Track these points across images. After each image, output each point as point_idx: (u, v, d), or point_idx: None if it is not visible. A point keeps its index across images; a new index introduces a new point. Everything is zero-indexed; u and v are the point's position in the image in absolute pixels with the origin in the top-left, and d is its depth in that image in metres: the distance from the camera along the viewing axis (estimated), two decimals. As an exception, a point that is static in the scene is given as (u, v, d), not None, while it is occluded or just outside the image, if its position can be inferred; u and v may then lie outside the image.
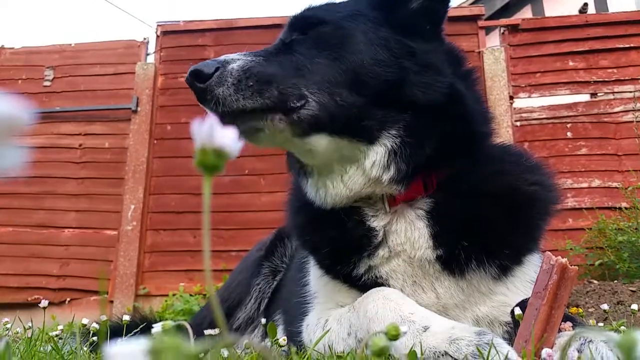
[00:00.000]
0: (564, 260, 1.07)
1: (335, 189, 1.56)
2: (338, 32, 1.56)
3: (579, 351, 1.08)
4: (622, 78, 6.21)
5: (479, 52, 6.48)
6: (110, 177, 6.54)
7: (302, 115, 1.43)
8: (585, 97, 6.23)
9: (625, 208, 5.47)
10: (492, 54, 6.42)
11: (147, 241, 6.27)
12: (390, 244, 1.56)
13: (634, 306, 2.00)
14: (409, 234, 1.54)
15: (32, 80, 7.06)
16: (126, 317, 1.91)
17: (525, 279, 1.56)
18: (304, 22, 1.62)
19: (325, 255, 1.69)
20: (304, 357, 1.36)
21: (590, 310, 2.86)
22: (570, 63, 6.34)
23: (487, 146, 1.66)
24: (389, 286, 1.55)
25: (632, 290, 4.33)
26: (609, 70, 6.25)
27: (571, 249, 5.38)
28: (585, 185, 5.97)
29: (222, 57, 1.46)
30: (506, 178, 1.62)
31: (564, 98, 6.24)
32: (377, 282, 1.58)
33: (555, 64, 6.37)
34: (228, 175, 6.39)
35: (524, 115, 6.23)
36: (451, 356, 1.11)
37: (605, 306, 2.22)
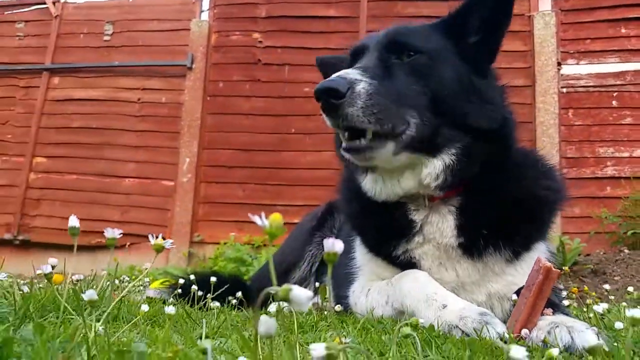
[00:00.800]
0: (549, 264, 1.40)
1: (391, 188, 1.87)
2: (432, 64, 1.83)
3: (548, 333, 1.38)
4: (675, 47, 6.13)
5: (530, 16, 6.46)
6: (166, 130, 6.95)
7: (404, 138, 1.72)
8: (634, 66, 6.18)
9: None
10: (543, 19, 6.40)
11: (201, 192, 6.72)
12: (425, 233, 1.88)
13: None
14: (439, 225, 1.87)
15: (93, 35, 7.42)
16: (213, 279, 2.29)
17: (531, 263, 1.74)
18: (401, 48, 1.85)
19: (371, 238, 2.03)
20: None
21: (616, 278, 3.07)
22: (623, 30, 6.27)
23: (513, 155, 1.94)
24: (420, 266, 1.89)
25: (661, 263, 4.51)
26: (662, 39, 6.17)
27: (605, 217, 5.53)
28: (626, 154, 6.03)
29: (346, 75, 1.66)
30: (524, 182, 1.92)
31: (612, 66, 6.22)
32: (411, 262, 1.92)
33: (607, 30, 6.31)
34: (276, 133, 6.71)
35: (570, 82, 6.26)
36: (460, 329, 1.46)
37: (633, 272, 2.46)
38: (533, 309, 1.36)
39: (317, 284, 2.56)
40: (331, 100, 1.63)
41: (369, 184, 1.93)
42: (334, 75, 1.68)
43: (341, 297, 2.22)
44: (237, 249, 5.91)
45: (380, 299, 1.93)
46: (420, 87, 1.78)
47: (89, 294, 1.00)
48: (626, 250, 5.09)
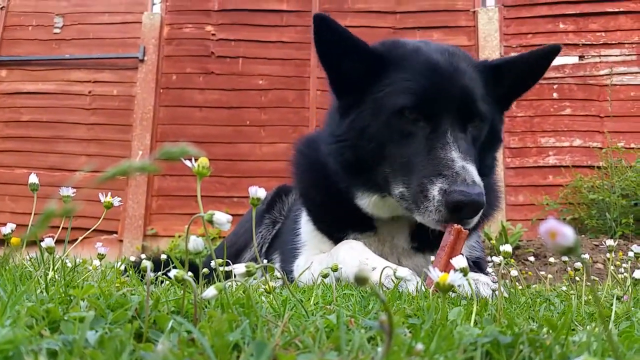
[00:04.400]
0: (459, 226, 1.58)
1: (389, 212, 2.04)
2: (492, 132, 2.00)
3: (458, 285, 1.56)
4: (610, 42, 6.47)
5: (474, 12, 6.70)
6: (118, 123, 6.90)
7: None
8: (573, 60, 6.51)
9: (600, 167, 5.86)
10: (487, 14, 6.65)
11: (155, 186, 6.70)
12: (379, 233, 2.13)
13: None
14: (393, 233, 2.12)
15: (42, 27, 7.28)
16: (163, 256, 2.37)
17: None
18: (474, 115, 1.87)
19: (327, 224, 2.24)
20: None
21: (551, 260, 3.27)
22: (561, 25, 6.58)
23: None
24: None
25: (595, 245, 4.79)
26: (598, 34, 6.51)
27: (547, 204, 5.81)
28: (567, 144, 6.34)
29: (477, 177, 1.66)
30: None
31: (552, 60, 6.51)
32: None
33: (547, 25, 6.61)
34: (230, 126, 6.75)
35: (513, 75, 6.52)
36: (385, 286, 1.62)
37: (565, 257, 2.66)
38: (447, 266, 1.48)
39: (265, 261, 2.67)
40: (474, 213, 1.67)
41: (371, 206, 2.04)
42: (471, 176, 1.65)
43: (287, 271, 2.35)
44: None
45: (320, 268, 2.07)
46: (491, 155, 2.10)
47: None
48: (565, 234, 5.35)
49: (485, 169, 2.00)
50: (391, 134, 1.85)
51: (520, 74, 2.06)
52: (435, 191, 1.65)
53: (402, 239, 2.09)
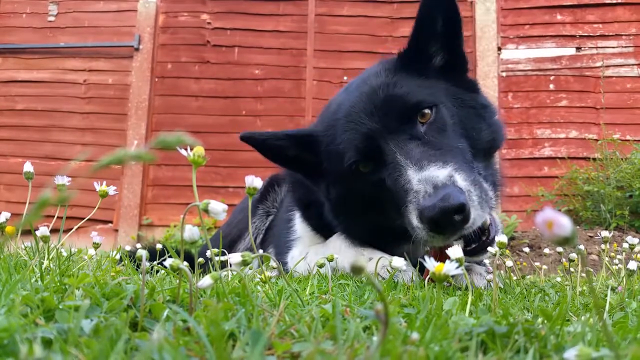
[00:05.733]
0: None
1: None
2: (452, 113, 1.74)
3: (452, 276, 1.51)
4: (607, 33, 6.47)
5: (471, 2, 6.68)
6: (113, 112, 6.86)
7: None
8: (570, 51, 6.50)
9: (595, 159, 5.87)
10: (484, 4, 6.63)
11: (150, 175, 6.68)
12: None
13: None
14: None
15: (36, 15, 7.22)
16: (159, 245, 2.37)
17: None
18: (415, 111, 1.67)
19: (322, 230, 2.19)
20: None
21: (545, 251, 3.28)
22: (558, 16, 6.57)
23: None
24: None
25: (589, 236, 4.81)
26: (595, 25, 6.50)
27: (542, 195, 5.83)
28: (563, 135, 6.34)
29: (436, 178, 1.46)
30: None
31: (549, 51, 6.51)
32: None
33: (544, 16, 6.59)
34: (226, 115, 6.73)
35: (510, 66, 6.52)
36: (381, 276, 1.63)
37: (560, 249, 2.66)
38: (441, 256, 1.46)
39: (261, 251, 2.68)
40: (457, 218, 1.41)
41: None
42: (424, 188, 1.46)
43: (282, 263, 2.35)
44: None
45: (316, 258, 2.07)
46: (458, 138, 1.69)
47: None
48: (560, 225, 5.37)
49: (478, 144, 1.76)
50: (355, 190, 1.78)
51: (435, 28, 1.87)
52: (414, 221, 1.49)
53: None
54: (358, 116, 1.71)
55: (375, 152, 1.67)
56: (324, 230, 2.15)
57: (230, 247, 2.86)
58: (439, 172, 1.47)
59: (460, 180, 1.46)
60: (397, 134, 1.63)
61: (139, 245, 3.52)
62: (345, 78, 6.56)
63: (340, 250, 1.88)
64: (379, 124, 1.67)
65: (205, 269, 2.34)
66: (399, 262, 1.37)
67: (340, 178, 1.82)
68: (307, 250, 2.18)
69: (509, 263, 1.92)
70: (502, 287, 1.50)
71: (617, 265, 2.24)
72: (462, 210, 1.38)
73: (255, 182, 0.95)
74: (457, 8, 1.84)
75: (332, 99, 2.04)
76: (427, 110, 1.67)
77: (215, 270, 0.86)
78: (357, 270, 0.53)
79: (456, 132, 1.70)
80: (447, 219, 1.39)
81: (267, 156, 2.01)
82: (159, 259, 2.30)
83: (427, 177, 1.46)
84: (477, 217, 1.45)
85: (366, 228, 1.86)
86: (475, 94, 1.88)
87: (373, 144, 1.66)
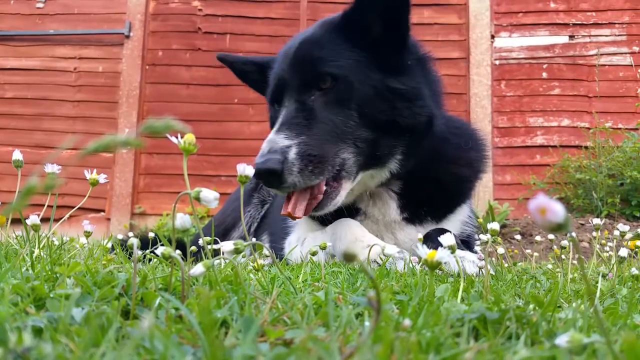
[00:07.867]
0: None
1: (346, 199, 1.94)
2: (351, 88, 1.83)
3: (445, 263, 1.54)
4: (600, 22, 6.47)
5: (465, -10, 6.65)
6: (104, 100, 6.80)
7: (347, 172, 1.83)
8: (563, 39, 6.50)
9: (587, 147, 5.90)
10: (478, -8, 6.60)
11: (142, 164, 6.65)
12: (368, 214, 2.11)
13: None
14: (383, 209, 2.09)
15: (24, 1, 7.11)
16: (151, 234, 2.37)
17: (454, 220, 2.16)
18: (319, 77, 1.84)
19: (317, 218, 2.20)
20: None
21: (537, 238, 3.30)
22: (552, 5, 6.55)
23: (441, 139, 2.05)
24: None
25: (580, 224, 4.85)
26: (588, 14, 6.49)
27: (534, 183, 5.85)
28: (555, 124, 6.36)
29: (276, 146, 1.71)
30: (446, 166, 2.13)
31: (542, 39, 6.51)
32: None
33: (537, 4, 6.58)
34: (218, 104, 6.69)
35: (503, 54, 6.52)
36: (377, 263, 1.67)
37: (551, 236, 2.69)
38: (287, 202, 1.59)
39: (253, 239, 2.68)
40: (270, 179, 1.71)
41: None
42: (264, 147, 1.73)
43: (277, 250, 2.35)
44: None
45: (315, 245, 2.07)
46: (346, 116, 1.81)
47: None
48: (551, 213, 5.40)
49: (377, 127, 1.84)
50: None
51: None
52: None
53: (392, 212, 2.08)
54: (282, 62, 1.96)
55: (278, 98, 1.93)
56: (322, 217, 2.15)
57: (225, 235, 2.85)
58: (281, 141, 1.72)
59: (293, 153, 1.69)
60: (296, 91, 1.86)
61: (131, 234, 3.51)
62: (338, 66, 6.52)
63: (341, 236, 1.89)
64: (288, 76, 1.90)
65: (197, 257, 2.34)
66: (391, 249, 1.38)
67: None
68: (305, 236, 2.18)
69: (501, 250, 1.94)
70: (493, 274, 1.51)
71: (607, 252, 2.25)
72: (273, 174, 1.66)
73: (247, 170, 0.95)
74: None
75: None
76: (327, 79, 1.83)
77: (208, 259, 0.86)
78: (349, 257, 0.52)
79: (350, 108, 1.82)
80: (263, 178, 1.73)
81: (239, 77, 2.37)
82: (151, 248, 2.30)
83: (271, 140, 1.74)
84: (297, 182, 1.69)
85: None
86: (401, 77, 1.87)
87: (279, 91, 1.93)
